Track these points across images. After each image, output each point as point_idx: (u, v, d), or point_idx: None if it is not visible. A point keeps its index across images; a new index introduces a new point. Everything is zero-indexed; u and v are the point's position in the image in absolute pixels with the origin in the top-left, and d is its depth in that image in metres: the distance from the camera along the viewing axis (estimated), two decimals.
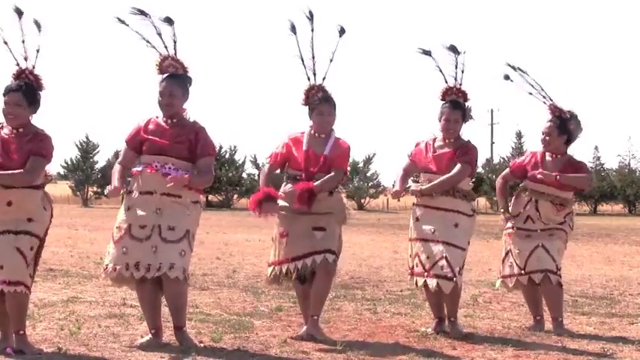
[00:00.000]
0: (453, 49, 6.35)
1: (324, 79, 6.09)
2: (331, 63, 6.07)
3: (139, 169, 5.53)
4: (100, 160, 57.27)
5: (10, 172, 5.09)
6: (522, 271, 6.56)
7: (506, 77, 6.69)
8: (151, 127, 5.60)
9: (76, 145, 55.29)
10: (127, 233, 5.43)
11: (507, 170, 6.87)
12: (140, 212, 5.44)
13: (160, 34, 5.61)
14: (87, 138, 56.00)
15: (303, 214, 5.90)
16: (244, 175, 55.20)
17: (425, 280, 6.17)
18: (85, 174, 54.04)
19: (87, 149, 55.52)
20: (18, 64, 5.33)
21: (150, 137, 5.54)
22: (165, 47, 5.63)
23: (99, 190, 56.21)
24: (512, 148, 58.05)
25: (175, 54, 5.64)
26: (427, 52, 6.39)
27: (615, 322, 7.04)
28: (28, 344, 5.24)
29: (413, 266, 6.30)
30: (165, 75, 5.62)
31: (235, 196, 53.79)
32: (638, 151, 78.86)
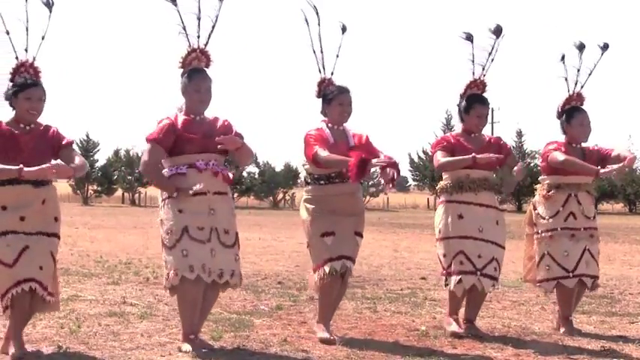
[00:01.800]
0: (498, 30, 6.25)
1: (332, 73, 6.01)
2: (337, 59, 6.00)
3: (183, 170, 5.31)
4: (101, 158, 57.42)
5: (77, 165, 5.11)
6: (570, 274, 6.33)
7: (562, 58, 6.57)
8: (184, 124, 5.38)
9: (77, 144, 55.29)
10: (184, 235, 5.23)
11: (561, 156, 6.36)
12: (195, 214, 5.26)
13: (199, 19, 5.41)
14: (87, 136, 56.12)
15: (348, 216, 5.78)
16: (244, 174, 55.23)
17: (478, 279, 6.03)
18: (86, 172, 54.05)
19: (87, 148, 55.57)
20: (17, 57, 5.14)
21: (190, 135, 5.33)
22: (198, 37, 5.44)
23: (99, 188, 56.33)
24: (513, 147, 57.99)
25: (207, 44, 5.47)
26: (469, 38, 6.27)
27: (615, 321, 7.03)
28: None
29: (449, 264, 6.08)
30: (193, 69, 5.43)
31: (235, 195, 53.83)
32: (638, 149, 78.64)
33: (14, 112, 5.12)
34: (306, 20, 5.93)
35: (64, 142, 5.19)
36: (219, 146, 5.30)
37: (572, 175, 6.40)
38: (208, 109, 5.52)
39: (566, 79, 6.58)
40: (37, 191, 5.03)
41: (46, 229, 5.07)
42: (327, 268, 5.71)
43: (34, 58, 5.17)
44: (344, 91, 5.91)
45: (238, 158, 5.60)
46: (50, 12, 5.16)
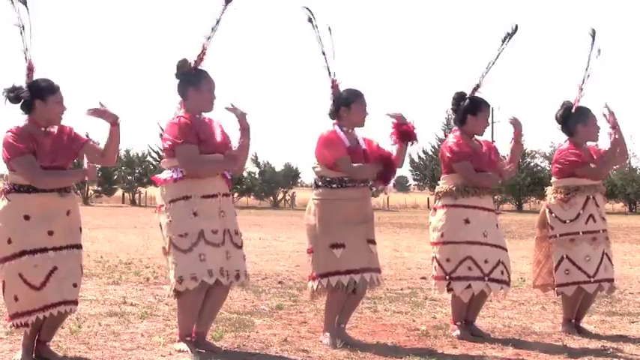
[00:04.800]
0: (513, 32, 6.21)
1: (334, 74, 5.93)
2: (333, 60, 5.92)
3: None
4: None
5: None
6: (591, 279, 6.27)
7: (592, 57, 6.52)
8: (192, 122, 5.32)
9: None
10: (200, 239, 5.18)
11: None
12: (209, 217, 5.24)
13: (218, 21, 5.37)
14: (87, 137, 56.01)
15: (359, 224, 5.71)
16: (244, 174, 55.22)
17: (487, 284, 5.97)
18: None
19: None
20: (26, 58, 4.98)
21: (205, 137, 5.29)
22: (208, 38, 5.40)
23: (99, 188, 56.33)
24: None
25: (208, 45, 5.42)
26: (512, 34, 6.19)
27: (616, 321, 7.04)
28: (54, 352, 5.15)
29: (454, 270, 5.98)
30: (203, 70, 5.42)
31: (236, 195, 53.86)
32: (639, 149, 78.63)
33: (31, 114, 4.96)
34: (312, 22, 5.88)
35: (82, 142, 5.13)
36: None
37: (588, 177, 6.37)
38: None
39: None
40: (62, 201, 4.97)
41: (75, 241, 5.02)
42: (332, 282, 5.65)
43: (30, 57, 5.00)
44: (362, 95, 5.86)
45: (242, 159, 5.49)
46: (26, 7, 4.98)
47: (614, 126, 6.40)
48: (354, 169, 5.69)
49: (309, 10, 5.89)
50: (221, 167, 5.36)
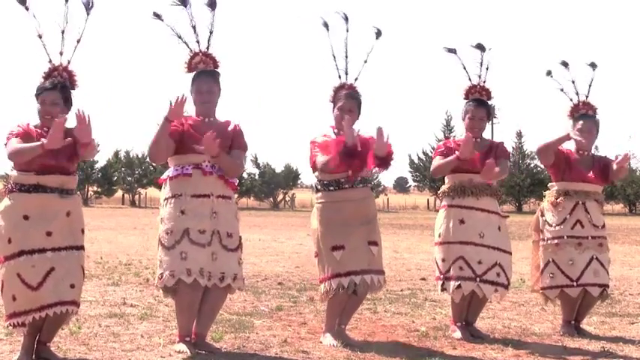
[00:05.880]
0: (480, 46, 6.25)
1: (356, 79, 5.93)
2: (365, 64, 5.92)
3: (189, 170, 5.29)
4: (101, 159, 57.32)
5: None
6: (574, 283, 6.27)
7: (549, 73, 6.57)
8: (191, 124, 5.34)
9: None
10: (184, 238, 5.20)
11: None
12: (197, 216, 5.23)
13: (194, 27, 5.40)
14: None
15: (360, 226, 5.70)
16: (244, 175, 55.24)
17: (478, 285, 5.98)
18: (85, 173, 54.07)
19: None
20: (50, 61, 5.09)
21: (198, 135, 5.24)
22: (197, 42, 5.43)
23: (99, 189, 56.33)
24: (513, 147, 57.98)
25: (208, 47, 5.45)
26: (452, 50, 6.28)
27: (615, 322, 7.04)
28: (54, 354, 5.15)
29: (448, 269, 6.02)
30: (198, 71, 5.43)
31: (236, 196, 53.91)
32: (639, 150, 78.66)
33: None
34: (326, 25, 5.86)
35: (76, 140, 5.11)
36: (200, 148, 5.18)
37: (580, 182, 6.37)
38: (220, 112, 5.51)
39: (562, 90, 6.57)
40: (62, 202, 4.96)
41: (74, 242, 5.01)
42: (334, 284, 5.67)
43: (68, 62, 5.11)
44: (346, 98, 5.81)
45: (223, 167, 5.37)
46: (88, 14, 5.11)
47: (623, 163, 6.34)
48: (323, 162, 5.60)
49: (344, 16, 5.85)
50: (157, 141, 5.16)
